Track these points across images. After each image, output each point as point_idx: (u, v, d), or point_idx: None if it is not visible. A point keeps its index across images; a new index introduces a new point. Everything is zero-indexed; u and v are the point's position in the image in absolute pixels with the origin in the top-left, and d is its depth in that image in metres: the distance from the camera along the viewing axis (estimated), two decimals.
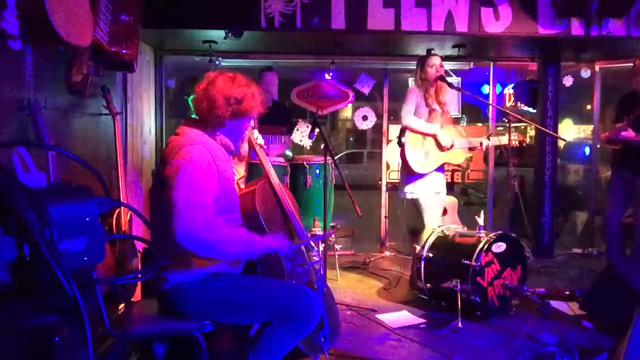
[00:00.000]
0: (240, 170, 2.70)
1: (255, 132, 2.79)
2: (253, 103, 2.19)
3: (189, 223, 1.94)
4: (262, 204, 2.52)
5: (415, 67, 4.26)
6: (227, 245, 2.06)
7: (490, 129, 5.90)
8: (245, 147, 2.68)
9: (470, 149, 4.26)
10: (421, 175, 4.07)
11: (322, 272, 2.52)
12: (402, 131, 4.09)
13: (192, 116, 2.26)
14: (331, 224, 4.90)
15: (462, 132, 4.26)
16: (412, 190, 4.11)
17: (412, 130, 4.04)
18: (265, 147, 2.80)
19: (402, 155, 4.08)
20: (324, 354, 2.48)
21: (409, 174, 4.11)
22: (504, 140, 4.18)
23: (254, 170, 3.27)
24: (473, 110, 9.05)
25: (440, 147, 4.08)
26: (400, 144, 4.09)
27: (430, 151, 4.08)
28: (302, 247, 2.72)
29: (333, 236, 4.85)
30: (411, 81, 5.79)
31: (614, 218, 4.20)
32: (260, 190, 2.55)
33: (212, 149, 2.15)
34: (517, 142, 4.16)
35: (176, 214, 1.94)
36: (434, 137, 4.07)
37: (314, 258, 2.67)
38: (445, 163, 4.21)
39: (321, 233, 4.18)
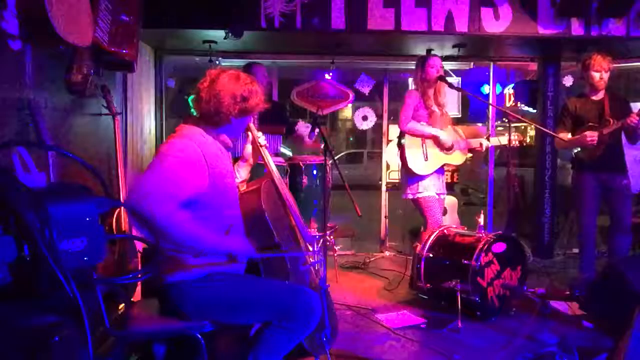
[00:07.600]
0: (242, 173, 2.65)
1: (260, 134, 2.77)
2: (258, 100, 2.21)
3: (149, 186, 1.94)
4: (267, 202, 2.49)
5: (415, 68, 4.25)
6: (176, 229, 1.94)
7: (490, 129, 5.91)
8: (248, 149, 2.64)
9: (470, 149, 4.27)
10: (422, 177, 4.06)
11: (323, 272, 2.51)
12: (402, 133, 4.10)
13: (193, 113, 2.25)
14: (328, 225, 4.88)
15: (461, 133, 4.26)
16: (413, 192, 4.11)
17: (413, 135, 4.05)
18: (267, 145, 2.77)
19: (402, 157, 4.08)
20: (325, 354, 2.48)
21: (409, 176, 4.10)
22: (503, 140, 4.17)
23: (257, 171, 3.25)
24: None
25: (441, 148, 4.09)
26: (400, 146, 4.09)
27: (430, 153, 4.07)
28: (306, 245, 2.71)
29: (332, 237, 4.84)
30: (411, 81, 5.79)
31: (591, 220, 4.12)
32: (264, 188, 2.53)
33: (206, 146, 2.15)
34: (517, 142, 4.13)
35: (144, 175, 2.01)
36: (435, 138, 4.07)
37: (317, 257, 2.66)
38: (445, 164, 4.21)
39: (318, 234, 4.17)
